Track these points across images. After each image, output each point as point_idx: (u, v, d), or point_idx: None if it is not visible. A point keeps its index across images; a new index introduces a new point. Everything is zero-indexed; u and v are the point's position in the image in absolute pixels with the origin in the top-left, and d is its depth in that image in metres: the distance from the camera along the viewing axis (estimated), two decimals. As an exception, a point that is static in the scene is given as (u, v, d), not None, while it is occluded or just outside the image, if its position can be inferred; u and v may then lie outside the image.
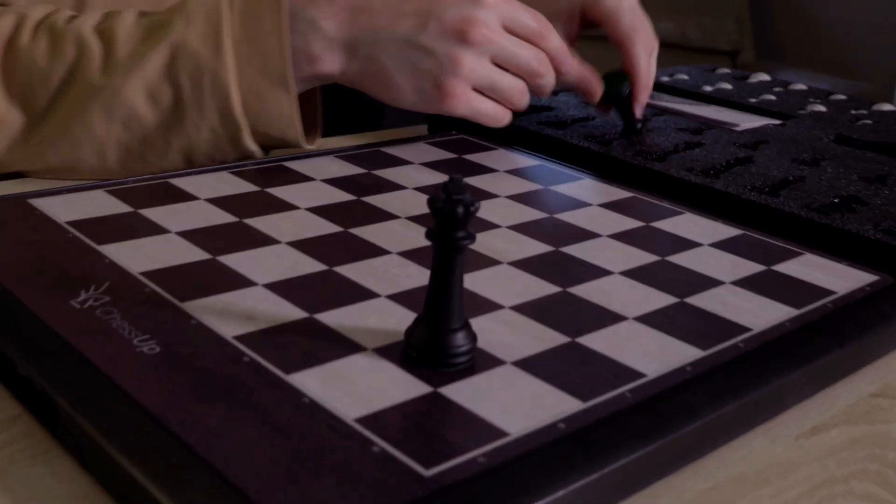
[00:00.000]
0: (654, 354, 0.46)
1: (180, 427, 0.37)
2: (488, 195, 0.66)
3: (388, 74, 0.68)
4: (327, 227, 0.58)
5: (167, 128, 0.67)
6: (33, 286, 0.47)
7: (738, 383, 0.45)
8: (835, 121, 0.90)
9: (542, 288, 0.52)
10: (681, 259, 0.58)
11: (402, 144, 0.76)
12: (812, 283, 0.56)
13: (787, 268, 0.58)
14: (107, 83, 0.66)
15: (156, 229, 0.55)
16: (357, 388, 0.41)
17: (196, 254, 0.53)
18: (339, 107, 1.00)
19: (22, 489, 0.38)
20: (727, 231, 0.63)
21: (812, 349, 0.49)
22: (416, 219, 0.60)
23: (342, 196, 0.64)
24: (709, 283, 0.55)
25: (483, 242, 0.58)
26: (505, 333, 0.47)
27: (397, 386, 0.41)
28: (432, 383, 0.42)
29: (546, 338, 0.47)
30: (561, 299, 0.51)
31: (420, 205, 0.63)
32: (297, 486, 0.34)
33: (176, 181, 0.64)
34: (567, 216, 0.63)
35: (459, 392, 0.41)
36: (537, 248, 0.58)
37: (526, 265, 0.55)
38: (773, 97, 0.98)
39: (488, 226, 0.60)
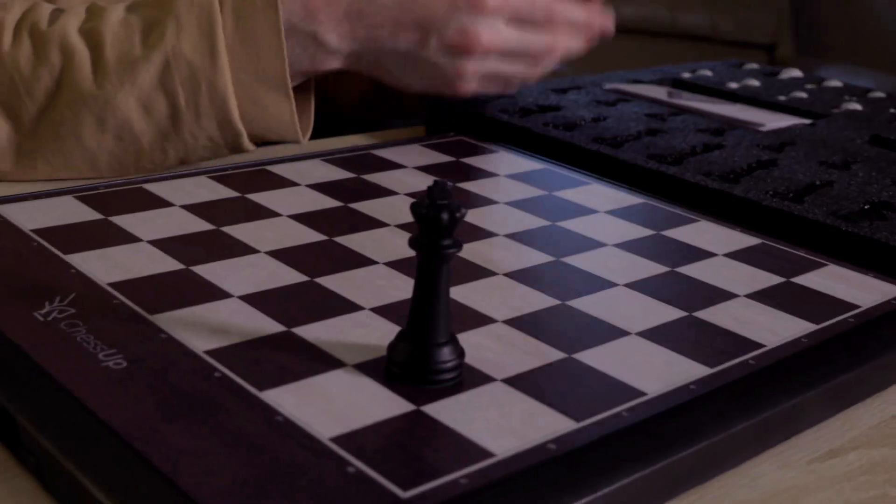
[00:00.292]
0: (656, 372, 0.47)
1: (145, 446, 0.39)
2: (486, 201, 0.68)
3: (393, 75, 0.75)
4: (310, 236, 0.60)
5: (163, 137, 0.70)
6: (-7, 297, 0.49)
7: (747, 404, 0.46)
8: (871, 120, 0.92)
9: (538, 301, 0.54)
10: (692, 270, 0.59)
11: (396, 147, 0.78)
12: (834, 296, 0.57)
13: (808, 280, 0.59)
14: (97, 93, 0.68)
15: (126, 237, 0.57)
16: (334, 405, 0.42)
17: (168, 264, 0.54)
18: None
19: (-22, 511, 0.39)
20: (745, 240, 0.64)
21: (830, 368, 0.50)
22: (406, 226, 0.62)
23: (328, 202, 0.65)
24: (721, 295, 0.56)
25: (477, 252, 0.59)
26: (496, 349, 0.48)
27: (377, 404, 0.43)
28: (415, 401, 0.43)
29: (540, 353, 0.48)
30: (558, 313, 0.52)
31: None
32: (266, 508, 0.36)
33: (150, 186, 0.65)
34: (571, 224, 0.65)
35: (443, 410, 0.43)
36: (536, 258, 0.59)
37: (522, 276, 0.56)
38: (804, 95, 1.00)
39: (484, 234, 0.62)
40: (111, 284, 0.51)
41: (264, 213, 0.63)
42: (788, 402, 0.47)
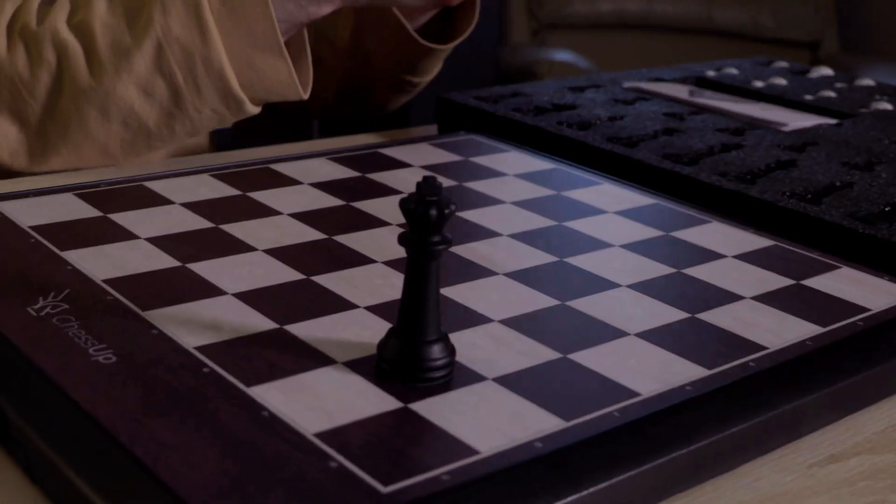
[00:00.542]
0: (652, 373, 0.49)
1: (129, 439, 0.40)
2: (492, 201, 0.69)
3: None
4: (310, 234, 0.61)
5: (169, 117, 0.74)
6: (-13, 292, 0.51)
7: (743, 406, 0.48)
8: (900, 121, 0.92)
9: (537, 301, 0.55)
10: (698, 272, 0.60)
11: (404, 146, 0.80)
12: (844, 298, 0.58)
13: (819, 282, 0.60)
14: (97, 86, 0.72)
15: (124, 235, 0.59)
16: (321, 402, 0.44)
17: (164, 261, 0.56)
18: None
19: (-35, 503, 0.41)
20: (757, 242, 0.66)
21: (833, 371, 0.51)
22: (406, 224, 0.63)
23: (330, 201, 0.67)
24: (726, 297, 0.57)
25: (478, 251, 0.61)
26: (489, 348, 0.50)
27: (365, 401, 0.44)
28: (403, 399, 0.45)
29: (534, 353, 0.49)
30: (557, 313, 0.54)
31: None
32: (244, 500, 0.37)
33: (151, 184, 0.67)
34: (577, 224, 0.66)
35: (431, 408, 0.44)
36: (539, 258, 0.61)
37: (523, 276, 0.58)
38: (832, 94, 1.01)
39: (487, 234, 0.64)
40: (106, 281, 0.53)
41: (265, 211, 0.64)
42: (788, 406, 0.49)
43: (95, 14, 0.72)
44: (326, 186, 0.70)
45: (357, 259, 0.59)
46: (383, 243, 0.61)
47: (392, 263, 0.58)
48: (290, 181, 0.70)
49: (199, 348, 0.48)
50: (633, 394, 0.47)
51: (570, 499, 0.41)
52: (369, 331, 0.50)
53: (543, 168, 0.77)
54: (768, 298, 0.58)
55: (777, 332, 0.54)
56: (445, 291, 0.55)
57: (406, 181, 0.72)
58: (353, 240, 0.61)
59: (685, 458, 0.45)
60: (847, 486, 0.47)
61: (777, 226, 0.69)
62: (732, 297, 0.57)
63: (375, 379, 0.46)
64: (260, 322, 0.50)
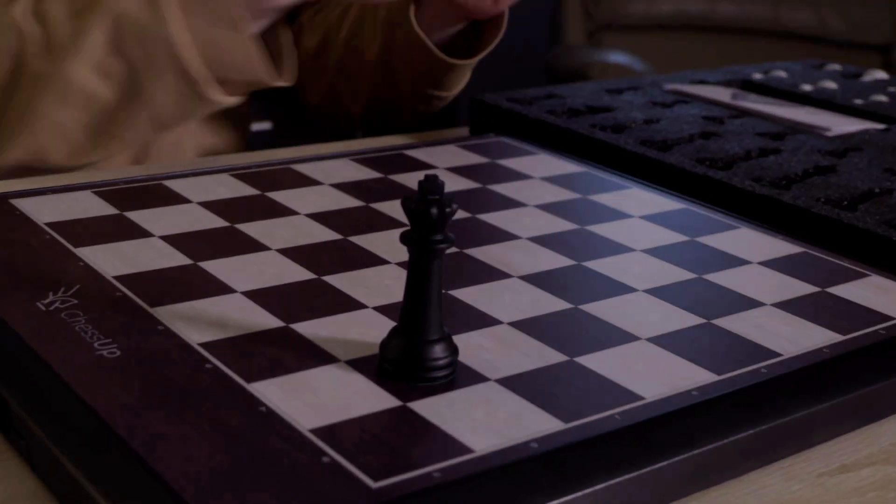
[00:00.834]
0: (659, 377, 0.50)
1: (126, 430, 0.43)
2: (515, 203, 0.71)
3: None
4: (325, 235, 0.64)
5: (129, 99, 0.77)
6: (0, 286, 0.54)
7: (751, 412, 0.49)
8: (952, 127, 0.93)
9: (550, 304, 0.57)
10: (720, 277, 0.62)
11: (431, 147, 0.82)
12: (867, 306, 0.59)
13: (844, 290, 0.61)
14: (52, 70, 0.75)
15: (139, 233, 0.62)
16: (319, 399, 0.46)
17: (176, 259, 0.59)
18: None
19: (-33, 491, 0.44)
20: (786, 248, 0.67)
21: (849, 380, 0.53)
22: (427, 227, 0.66)
23: (349, 202, 0.69)
24: (746, 304, 0.59)
25: (494, 254, 0.63)
26: (496, 350, 0.52)
27: (364, 399, 0.47)
28: (403, 398, 0.47)
29: (540, 356, 0.51)
30: (569, 316, 0.56)
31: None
32: (235, 493, 0.40)
33: (170, 183, 0.70)
34: (600, 228, 0.68)
35: (429, 407, 0.46)
36: (556, 261, 0.62)
37: (538, 280, 0.60)
38: (884, 98, 1.01)
39: (506, 236, 0.66)
40: (116, 277, 0.56)
41: (282, 211, 0.67)
42: (799, 414, 0.50)
43: (52, 2, 0.75)
44: (347, 187, 0.72)
45: (370, 260, 0.61)
46: (398, 245, 0.63)
47: (405, 265, 0.60)
48: (310, 182, 0.73)
49: (203, 344, 0.50)
50: (637, 397, 0.48)
51: (564, 499, 0.42)
52: (375, 331, 0.52)
53: (572, 171, 0.79)
54: (789, 305, 0.59)
55: (794, 339, 0.55)
56: (457, 293, 0.57)
57: (429, 183, 0.74)
58: (368, 240, 0.63)
59: (686, 462, 0.46)
60: (856, 496, 0.48)
61: (810, 233, 0.70)
62: (752, 304, 0.59)
63: (377, 378, 0.48)
64: (266, 320, 0.53)
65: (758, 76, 1.07)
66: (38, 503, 0.43)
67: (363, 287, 0.57)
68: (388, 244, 0.63)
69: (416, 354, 0.48)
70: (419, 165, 0.78)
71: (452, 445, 0.44)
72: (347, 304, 0.55)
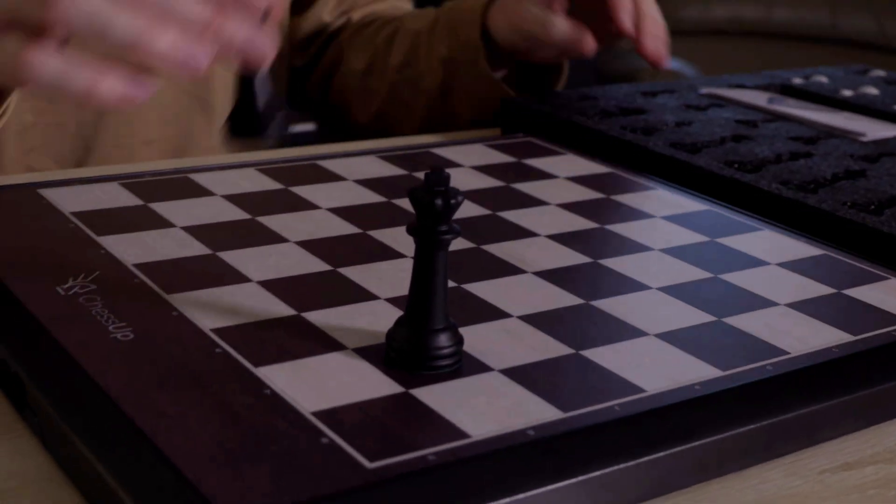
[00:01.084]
0: (663, 371, 0.52)
1: (134, 409, 0.45)
2: (536, 202, 0.73)
3: None
4: (344, 228, 0.66)
5: None
6: (22, 271, 0.57)
7: (752, 408, 0.50)
8: None
9: (561, 299, 0.59)
10: (737, 278, 0.63)
11: (458, 146, 0.84)
12: (883, 309, 0.61)
13: (861, 292, 0.63)
14: None
15: (161, 223, 0.65)
16: (324, 384, 0.48)
17: (196, 249, 0.61)
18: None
19: (-19, 464, 0.47)
20: (807, 251, 0.68)
21: (857, 379, 0.54)
22: (446, 224, 0.68)
23: (371, 197, 0.72)
24: (760, 303, 0.60)
25: (511, 250, 0.65)
26: (502, 341, 0.54)
27: (367, 384, 0.49)
28: (406, 384, 0.49)
29: (547, 348, 0.53)
30: (579, 312, 0.57)
31: (459, 209, 0.70)
32: (234, 469, 0.42)
33: (196, 176, 0.73)
34: (620, 227, 0.70)
35: (431, 394, 0.48)
36: (572, 258, 0.64)
37: (552, 276, 0.62)
38: (926, 105, 1.02)
39: (525, 234, 0.67)
40: (136, 265, 0.59)
41: (303, 205, 0.69)
42: (802, 411, 0.51)
43: None
44: (370, 183, 0.74)
45: (387, 253, 0.63)
46: (417, 239, 0.65)
47: (421, 259, 0.62)
48: (334, 177, 0.75)
49: (215, 330, 0.52)
50: (639, 390, 0.50)
51: (557, 486, 0.44)
52: (385, 320, 0.54)
53: (597, 172, 0.81)
54: (803, 306, 0.60)
55: (803, 338, 0.56)
56: (470, 287, 0.59)
57: (453, 181, 0.76)
58: (387, 235, 0.65)
59: (684, 455, 0.48)
60: (856, 493, 0.50)
61: (835, 236, 0.71)
62: (765, 304, 0.60)
63: (383, 365, 0.50)
64: (279, 308, 0.55)
65: (798, 81, 1.08)
66: (47, 478, 0.46)
67: (377, 279, 0.59)
68: (406, 238, 0.64)
69: (420, 343, 0.50)
70: (444, 163, 0.80)
71: (450, 430, 0.46)
72: (359, 294, 0.57)
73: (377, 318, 0.55)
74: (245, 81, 0.64)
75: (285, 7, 0.58)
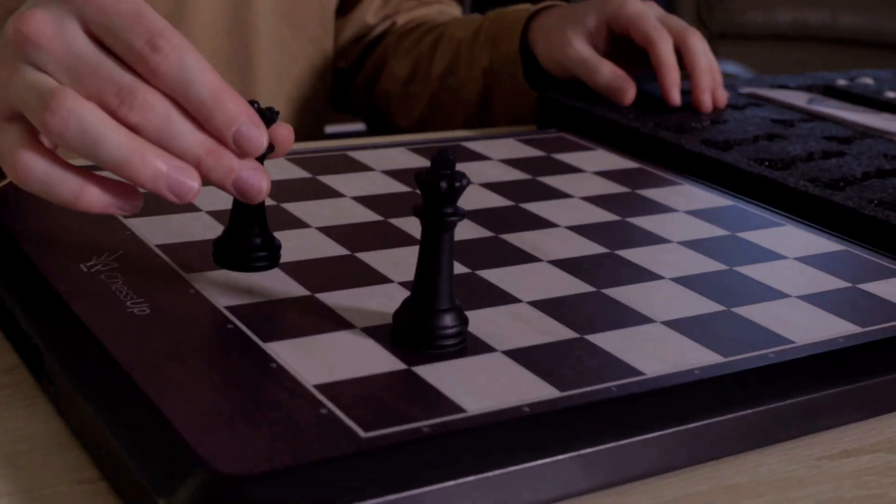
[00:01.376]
0: (665, 356, 0.54)
1: (142, 377, 0.48)
2: (560, 195, 0.75)
3: None
4: (366, 216, 0.68)
5: None
6: (48, 249, 0.60)
7: (750, 393, 0.52)
8: None
9: (572, 286, 0.61)
10: (752, 270, 0.65)
11: (490, 140, 0.86)
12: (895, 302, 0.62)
13: (876, 286, 0.64)
14: None
15: (188, 207, 0.67)
16: (329, 359, 0.51)
17: (218, 231, 0.64)
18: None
19: (1, 428, 0.50)
20: (827, 246, 0.69)
21: (860, 369, 0.55)
22: (469, 214, 0.70)
23: (396, 187, 0.74)
24: (771, 294, 0.62)
25: (529, 239, 0.67)
26: (508, 325, 0.56)
27: (371, 361, 0.51)
28: (409, 362, 0.51)
29: (552, 332, 0.55)
30: (589, 299, 0.59)
31: (479, 200, 0.73)
32: (232, 434, 0.44)
33: (227, 164, 0.76)
34: (641, 220, 0.71)
35: (433, 372, 0.50)
36: (589, 248, 0.66)
37: (567, 264, 0.63)
38: (971, 107, 1.02)
39: (545, 224, 0.69)
40: (159, 246, 0.62)
41: (329, 193, 0.72)
42: (801, 398, 0.53)
43: None
44: (397, 174, 0.77)
45: (406, 240, 0.65)
46: (436, 228, 0.67)
47: (439, 246, 0.64)
48: (362, 167, 0.77)
49: (228, 307, 0.55)
50: (638, 373, 0.52)
51: (548, 460, 0.46)
52: (395, 302, 0.56)
53: (626, 167, 0.82)
54: (815, 298, 0.62)
55: (811, 329, 0.58)
56: (484, 273, 0.61)
57: (480, 173, 0.78)
58: (408, 223, 0.68)
59: (679, 436, 0.49)
60: (851, 479, 0.51)
61: (859, 234, 0.72)
62: (777, 295, 0.62)
63: (388, 344, 0.53)
64: (293, 289, 0.58)
65: (842, 82, 1.09)
66: (58, 442, 0.49)
67: (392, 264, 0.62)
68: (426, 226, 0.67)
69: (425, 323, 0.52)
70: (473, 156, 0.82)
71: (446, 405, 0.48)
72: (374, 278, 0.60)
73: (388, 301, 0.57)
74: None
75: (289, 140, 0.56)
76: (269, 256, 0.59)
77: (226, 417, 0.46)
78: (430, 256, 0.52)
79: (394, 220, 0.68)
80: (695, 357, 0.54)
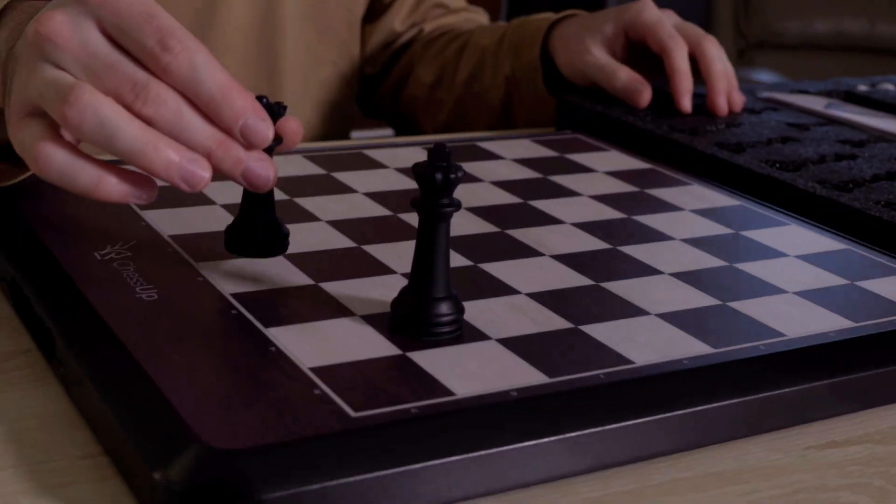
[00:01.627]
0: (655, 346, 0.55)
1: (145, 358, 0.50)
2: (569, 193, 0.77)
3: None
4: (376, 211, 0.70)
5: None
6: (65, 238, 0.62)
7: (737, 383, 0.53)
8: None
9: (572, 280, 0.62)
10: (750, 267, 0.66)
11: (505, 140, 0.88)
12: (892, 300, 0.63)
13: (875, 284, 0.65)
14: None
15: (203, 201, 0.70)
16: (327, 344, 0.53)
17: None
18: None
19: (13, 406, 0.52)
20: (830, 244, 0.71)
21: (849, 363, 0.56)
22: (476, 210, 0.72)
23: (408, 184, 0.76)
24: (768, 290, 0.63)
25: (534, 235, 0.68)
26: (505, 315, 0.57)
27: (367, 347, 0.53)
28: (404, 348, 0.53)
29: (547, 322, 0.57)
30: (586, 292, 0.61)
31: (487, 197, 0.74)
32: (227, 412, 0.46)
33: (245, 161, 0.78)
34: (646, 218, 0.73)
35: (426, 358, 0.52)
36: (591, 244, 0.68)
37: (569, 259, 0.65)
38: None
39: (547, 220, 0.71)
40: (172, 236, 0.64)
41: (341, 189, 0.74)
42: (788, 388, 0.54)
43: None
44: (409, 172, 0.78)
45: (412, 234, 0.67)
46: (444, 223, 0.69)
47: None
48: (376, 165, 0.79)
49: (234, 294, 0.57)
50: (626, 361, 0.53)
51: (532, 442, 0.48)
52: (396, 293, 0.58)
53: (636, 167, 0.84)
54: (811, 294, 0.63)
55: (804, 323, 0.59)
56: (486, 266, 0.63)
57: (491, 171, 0.80)
58: (416, 218, 0.69)
59: (664, 423, 0.51)
60: (835, 469, 0.52)
61: (865, 235, 0.73)
62: (774, 291, 0.63)
63: (385, 331, 0.54)
64: (298, 278, 0.60)
65: (863, 88, 1.10)
66: (65, 421, 0.51)
67: (397, 256, 0.63)
68: (433, 221, 0.69)
69: (421, 310, 0.54)
70: (487, 155, 0.84)
71: (436, 388, 0.50)
72: (378, 269, 0.62)
73: (390, 290, 0.59)
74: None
75: (298, 132, 0.59)
76: (278, 242, 0.61)
77: (222, 396, 0.48)
78: (426, 246, 0.54)
79: (402, 215, 0.70)
80: (684, 347, 0.55)
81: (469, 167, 0.81)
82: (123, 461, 0.47)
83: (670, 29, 0.97)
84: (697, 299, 0.61)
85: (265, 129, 0.55)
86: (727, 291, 0.62)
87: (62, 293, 0.57)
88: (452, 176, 0.53)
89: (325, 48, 1.09)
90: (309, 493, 0.43)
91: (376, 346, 0.53)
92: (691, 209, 0.75)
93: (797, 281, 0.65)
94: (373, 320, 0.56)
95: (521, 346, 0.54)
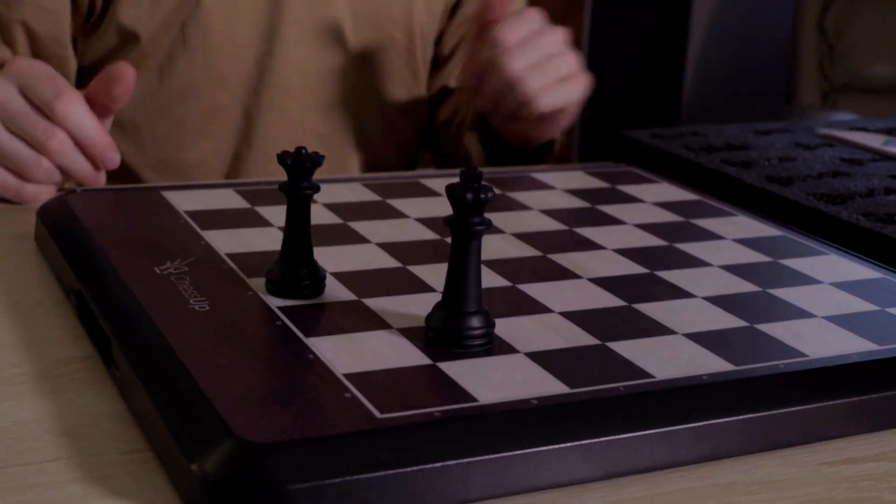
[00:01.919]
0: (677, 363, 0.58)
1: (191, 362, 0.54)
2: (614, 221, 0.79)
3: None
4: (425, 235, 0.74)
5: None
6: (127, 253, 0.67)
7: (755, 399, 0.56)
8: None
9: (605, 301, 0.65)
10: (784, 293, 0.68)
11: (559, 171, 0.91)
12: (920, 326, 0.64)
13: (905, 311, 0.67)
14: None
15: (261, 222, 0.74)
16: (362, 353, 0.56)
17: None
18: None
19: (70, 403, 0.56)
20: (866, 273, 0.72)
21: (868, 384, 0.58)
22: (521, 236, 0.75)
23: (458, 210, 0.79)
24: (798, 314, 0.65)
25: (574, 259, 0.71)
26: (536, 331, 0.60)
27: (400, 357, 0.56)
28: (434, 358, 0.56)
29: (575, 339, 0.60)
30: (618, 312, 0.64)
31: (535, 225, 0.77)
32: (262, 411, 0.50)
33: (305, 187, 0.82)
34: (687, 246, 0.75)
35: (455, 368, 0.55)
36: (629, 268, 0.70)
37: (605, 282, 0.68)
38: None
39: (590, 246, 0.74)
40: (228, 254, 0.68)
41: (394, 214, 0.78)
42: (804, 406, 0.56)
43: None
44: (462, 199, 0.82)
45: (456, 256, 0.70)
46: (490, 248, 0.72)
47: (490, 263, 0.69)
48: (430, 193, 0.83)
49: (280, 308, 0.61)
50: (647, 375, 0.56)
51: (548, 448, 0.50)
52: (433, 308, 0.62)
53: (685, 199, 0.86)
54: (839, 319, 0.65)
55: (828, 344, 0.61)
56: (524, 287, 0.66)
57: (541, 200, 0.83)
58: (461, 241, 0.73)
59: (681, 434, 0.53)
60: (847, 483, 0.54)
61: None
62: (803, 315, 0.65)
63: (419, 343, 0.58)
64: (342, 294, 0.63)
65: (924, 126, 1.11)
66: (117, 420, 0.55)
67: (438, 277, 0.67)
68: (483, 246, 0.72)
69: (453, 323, 0.57)
70: (539, 186, 0.87)
71: (460, 395, 0.53)
72: (419, 287, 0.65)
73: (428, 306, 0.62)
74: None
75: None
76: (313, 285, 0.64)
77: (257, 396, 0.51)
78: (458, 262, 0.58)
79: (449, 239, 0.73)
80: (704, 364, 0.58)
81: (520, 196, 0.84)
82: (165, 455, 0.51)
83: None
84: (725, 320, 0.63)
85: (114, 159, 0.83)
86: (755, 314, 0.64)
87: (122, 304, 0.61)
88: (482, 196, 0.56)
89: (387, 86, 1.12)
90: (332, 486, 0.47)
91: (408, 356, 0.56)
92: (733, 238, 0.78)
93: (826, 306, 0.67)
94: (408, 333, 0.59)
95: (546, 359, 0.57)
